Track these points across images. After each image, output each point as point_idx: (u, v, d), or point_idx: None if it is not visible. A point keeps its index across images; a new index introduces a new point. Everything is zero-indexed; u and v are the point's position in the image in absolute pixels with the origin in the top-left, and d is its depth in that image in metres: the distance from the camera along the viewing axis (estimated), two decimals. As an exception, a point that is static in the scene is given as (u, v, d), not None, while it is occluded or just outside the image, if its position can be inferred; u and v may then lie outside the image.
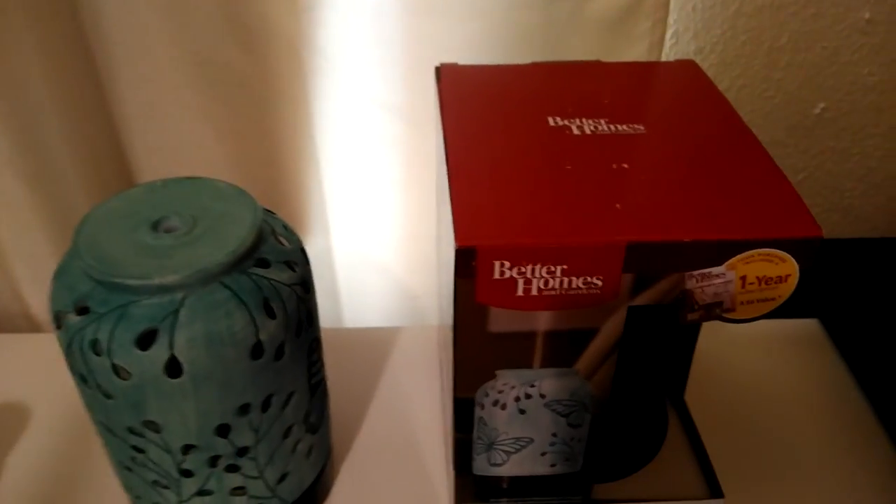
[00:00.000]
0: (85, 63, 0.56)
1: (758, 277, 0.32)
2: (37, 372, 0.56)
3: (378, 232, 0.64)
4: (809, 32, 0.63)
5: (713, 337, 0.58)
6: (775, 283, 0.32)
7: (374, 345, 0.58)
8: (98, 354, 0.33)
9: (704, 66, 0.65)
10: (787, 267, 0.32)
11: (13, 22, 0.51)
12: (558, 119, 0.38)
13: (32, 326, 0.63)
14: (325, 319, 0.42)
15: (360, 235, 0.65)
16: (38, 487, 0.47)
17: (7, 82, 0.52)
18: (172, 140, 0.59)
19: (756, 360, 0.56)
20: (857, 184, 0.72)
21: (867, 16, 0.62)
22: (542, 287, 0.32)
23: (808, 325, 0.59)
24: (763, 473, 0.47)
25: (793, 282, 0.32)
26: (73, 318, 0.33)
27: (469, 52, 0.52)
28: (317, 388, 0.41)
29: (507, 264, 0.31)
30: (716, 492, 0.42)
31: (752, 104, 0.67)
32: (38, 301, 0.62)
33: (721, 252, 0.31)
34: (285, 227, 0.39)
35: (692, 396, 0.49)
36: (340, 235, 0.65)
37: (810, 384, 0.54)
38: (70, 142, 0.57)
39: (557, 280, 0.32)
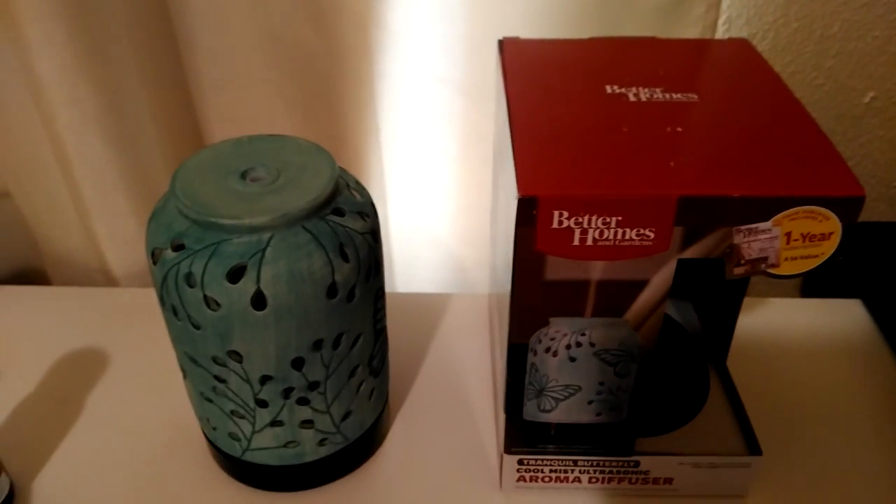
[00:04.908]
0: (167, 37, 0.60)
1: (802, 234, 0.34)
2: (112, 322, 0.60)
3: (433, 204, 0.67)
4: (861, 21, 0.64)
5: (757, 313, 0.60)
6: (819, 240, 0.34)
7: (428, 308, 0.61)
8: (191, 286, 0.36)
9: (755, 51, 0.66)
10: (831, 225, 0.34)
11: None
12: (615, 87, 0.41)
13: (109, 281, 0.68)
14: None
15: (416, 207, 0.68)
16: (115, 423, 0.52)
17: (98, 53, 0.56)
18: (244, 111, 0.62)
19: (798, 336, 0.58)
20: (904, 173, 0.73)
21: (920, 5, 0.63)
22: (597, 237, 0.34)
23: (850, 305, 0.60)
24: (801, 441, 0.49)
25: (835, 239, 0.34)
26: (170, 254, 0.37)
27: (527, 33, 0.55)
28: (380, 333, 0.44)
29: (566, 214, 0.34)
30: (754, 449, 0.44)
31: (801, 91, 0.68)
32: (116, 257, 0.66)
33: (768, 208, 0.33)
34: (357, 182, 0.42)
35: (734, 367, 0.51)
36: (397, 206, 0.68)
37: (851, 360, 0.56)
38: (151, 109, 0.61)
39: (612, 231, 0.34)
